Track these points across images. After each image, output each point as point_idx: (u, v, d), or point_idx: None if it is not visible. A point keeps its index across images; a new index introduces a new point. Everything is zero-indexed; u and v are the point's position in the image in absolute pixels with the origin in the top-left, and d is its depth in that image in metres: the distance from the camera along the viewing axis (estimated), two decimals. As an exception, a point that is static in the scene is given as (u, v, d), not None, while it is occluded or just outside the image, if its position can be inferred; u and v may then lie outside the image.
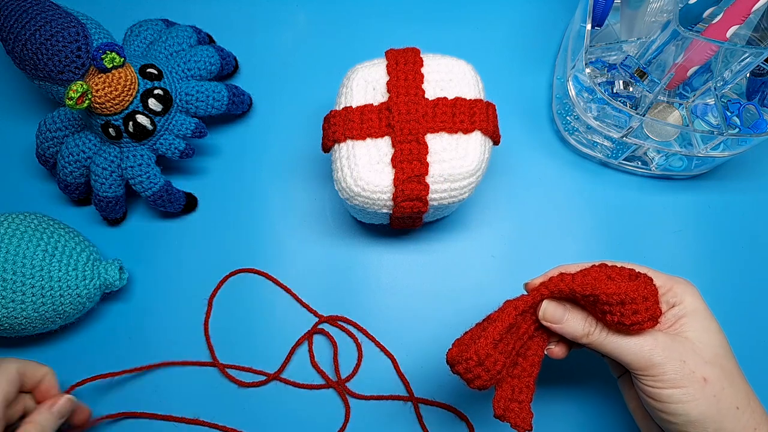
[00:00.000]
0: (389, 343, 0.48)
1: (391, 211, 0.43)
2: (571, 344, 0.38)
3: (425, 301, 0.49)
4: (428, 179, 0.41)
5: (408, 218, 0.45)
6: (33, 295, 0.42)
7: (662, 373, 0.33)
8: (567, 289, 0.35)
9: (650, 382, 0.33)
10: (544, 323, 0.36)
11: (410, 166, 0.40)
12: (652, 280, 0.35)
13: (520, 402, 0.36)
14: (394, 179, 0.40)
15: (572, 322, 0.35)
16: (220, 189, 0.52)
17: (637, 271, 0.36)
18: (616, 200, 0.52)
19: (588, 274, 0.35)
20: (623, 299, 0.33)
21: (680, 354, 0.33)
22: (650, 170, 0.51)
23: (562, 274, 0.36)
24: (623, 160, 0.51)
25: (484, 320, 0.37)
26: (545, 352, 0.38)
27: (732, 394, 0.33)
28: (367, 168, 0.41)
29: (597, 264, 0.36)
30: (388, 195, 0.41)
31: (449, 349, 0.36)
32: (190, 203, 0.51)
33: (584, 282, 0.34)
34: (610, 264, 0.36)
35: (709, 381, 0.33)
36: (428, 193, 0.41)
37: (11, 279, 0.42)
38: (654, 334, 0.34)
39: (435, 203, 0.42)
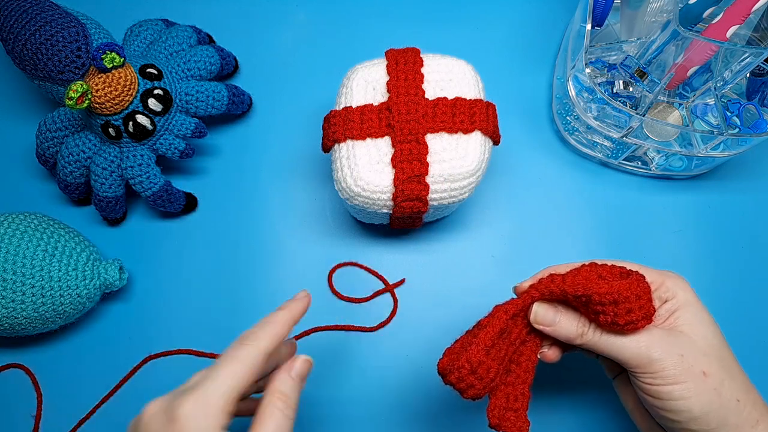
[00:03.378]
0: (389, 343, 0.48)
1: (391, 211, 0.43)
2: (565, 347, 0.37)
3: (425, 301, 0.49)
4: (428, 179, 0.41)
5: (408, 218, 0.45)
6: (33, 295, 0.42)
7: (661, 369, 0.32)
8: (558, 291, 0.34)
9: (649, 379, 0.32)
10: (536, 326, 0.35)
11: (410, 166, 0.40)
12: (644, 277, 0.34)
13: (515, 410, 0.35)
14: (394, 179, 0.40)
15: (565, 323, 0.35)
16: (220, 189, 0.52)
17: (628, 269, 0.35)
18: (616, 200, 0.52)
19: (579, 274, 0.34)
20: (616, 299, 0.32)
21: (678, 348, 0.32)
22: (650, 170, 0.51)
23: (552, 275, 0.35)
24: (623, 160, 0.51)
25: (474, 327, 0.36)
26: (538, 356, 0.37)
27: (732, 387, 0.32)
28: (367, 168, 0.41)
29: (587, 263, 0.36)
30: (388, 195, 0.41)
31: (440, 359, 0.35)
32: (190, 203, 0.51)
33: (575, 282, 0.33)
34: (600, 263, 0.36)
35: (708, 374, 0.32)
36: (428, 193, 0.41)
37: (11, 279, 0.42)
38: (649, 330, 0.33)
39: (435, 203, 0.42)
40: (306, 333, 0.48)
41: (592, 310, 0.33)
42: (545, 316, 0.35)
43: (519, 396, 0.35)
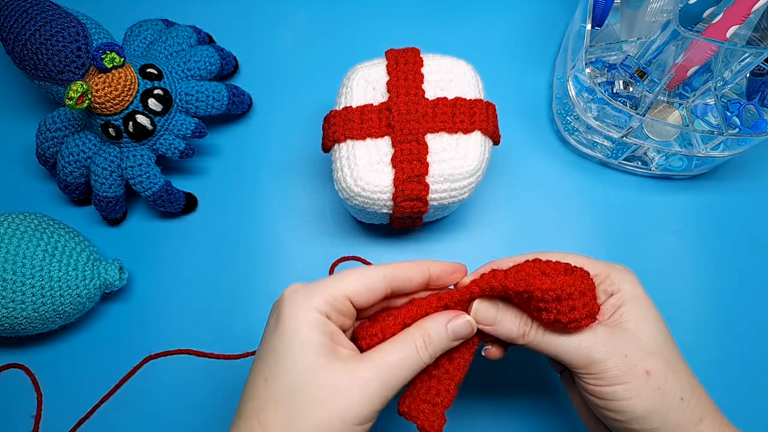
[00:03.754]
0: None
1: (391, 211, 0.43)
2: (508, 343, 0.36)
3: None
4: (428, 179, 0.41)
5: (408, 218, 0.45)
6: (33, 295, 0.42)
7: (604, 370, 0.31)
8: (499, 286, 0.32)
9: (592, 380, 0.32)
10: (477, 326, 0.33)
11: (410, 166, 0.40)
12: (588, 274, 0.33)
13: (434, 405, 0.33)
14: (394, 179, 0.40)
15: (506, 323, 0.33)
16: (220, 189, 0.52)
17: (572, 265, 0.34)
18: (616, 200, 0.52)
19: (521, 270, 0.33)
20: (559, 295, 0.31)
21: (621, 348, 0.32)
22: (650, 170, 0.51)
23: (494, 270, 0.34)
24: (623, 160, 0.51)
25: (407, 303, 0.35)
26: (483, 353, 0.36)
27: (675, 385, 0.32)
28: (367, 168, 0.41)
29: (531, 259, 0.35)
30: (388, 195, 0.41)
31: (359, 324, 0.34)
32: (190, 203, 0.51)
33: (517, 278, 0.32)
34: (544, 258, 0.35)
35: (651, 374, 0.31)
36: (428, 193, 0.41)
37: (11, 279, 0.42)
38: (593, 329, 0.32)
39: (435, 203, 0.42)
40: None
41: (534, 306, 0.32)
42: (486, 314, 0.33)
43: (443, 391, 0.34)
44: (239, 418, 0.30)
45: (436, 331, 0.32)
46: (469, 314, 0.34)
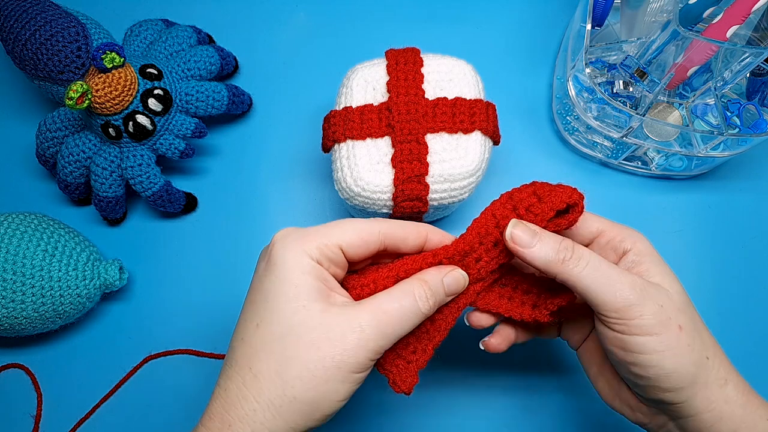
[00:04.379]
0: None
1: (391, 211, 0.43)
2: (516, 335, 0.35)
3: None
4: (428, 179, 0.41)
5: (408, 218, 0.45)
6: (33, 295, 0.42)
7: (639, 315, 0.29)
8: (490, 216, 0.33)
9: (623, 327, 0.30)
10: (512, 247, 0.32)
11: (410, 166, 0.40)
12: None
13: (408, 362, 0.33)
14: (394, 179, 0.40)
15: (545, 245, 0.31)
16: (220, 189, 0.52)
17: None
18: (616, 200, 0.52)
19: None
20: (534, 190, 0.32)
21: (656, 298, 0.30)
22: (650, 170, 0.51)
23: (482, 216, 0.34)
24: (623, 160, 0.51)
25: (399, 258, 0.34)
26: (482, 346, 0.35)
27: (702, 344, 0.30)
28: (367, 168, 0.41)
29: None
30: (388, 195, 0.41)
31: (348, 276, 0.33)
32: (190, 203, 0.51)
33: (501, 201, 0.33)
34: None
35: (683, 329, 0.30)
36: (428, 193, 0.41)
37: (11, 279, 0.42)
38: (630, 274, 0.30)
39: (435, 203, 0.42)
40: None
41: (523, 208, 0.32)
42: (523, 235, 0.31)
43: (419, 350, 0.33)
44: (230, 367, 0.29)
45: (435, 284, 0.31)
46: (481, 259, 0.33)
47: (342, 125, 0.42)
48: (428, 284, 0.31)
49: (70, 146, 0.46)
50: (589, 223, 0.34)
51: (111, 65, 0.42)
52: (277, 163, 0.53)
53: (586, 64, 0.45)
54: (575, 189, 0.32)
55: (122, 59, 0.43)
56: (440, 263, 0.33)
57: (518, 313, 0.35)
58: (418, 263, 0.32)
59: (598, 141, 0.51)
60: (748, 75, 0.48)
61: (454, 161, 0.40)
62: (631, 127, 0.47)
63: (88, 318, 0.49)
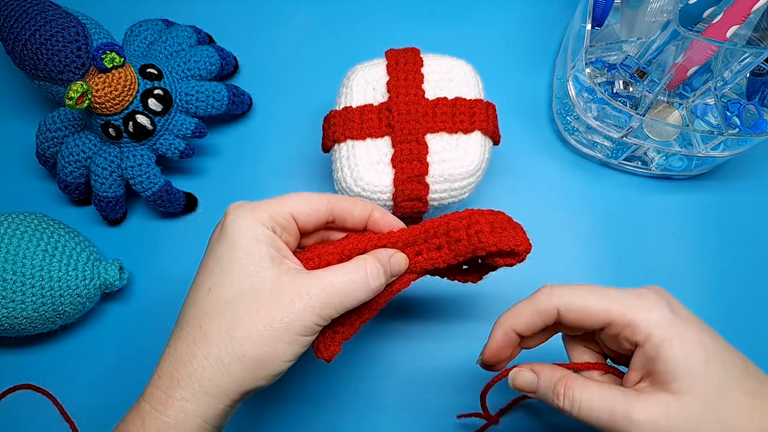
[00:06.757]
0: (389, 343, 0.48)
1: (391, 211, 0.43)
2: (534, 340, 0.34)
3: (425, 301, 0.49)
4: (428, 179, 0.41)
5: (408, 218, 0.45)
6: (33, 295, 0.42)
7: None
8: (430, 227, 0.34)
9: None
10: (516, 388, 0.33)
11: (410, 166, 0.40)
12: (504, 216, 0.34)
13: (335, 332, 0.34)
14: (394, 179, 0.40)
15: (545, 378, 0.31)
16: (220, 189, 0.52)
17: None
18: (616, 200, 0.52)
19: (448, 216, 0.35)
20: (469, 222, 0.33)
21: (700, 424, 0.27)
22: (650, 170, 0.51)
23: (424, 221, 0.35)
24: (623, 160, 0.51)
25: (345, 237, 0.36)
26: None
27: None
28: (367, 168, 0.41)
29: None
30: (388, 195, 0.41)
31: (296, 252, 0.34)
32: (190, 203, 0.51)
33: (441, 219, 0.34)
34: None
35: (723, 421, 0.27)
36: (428, 193, 0.41)
37: (11, 279, 0.42)
38: (657, 402, 0.28)
39: (435, 203, 0.42)
40: None
41: (453, 238, 0.33)
42: (525, 385, 0.32)
43: (347, 323, 0.34)
44: (180, 328, 0.31)
45: (386, 264, 0.33)
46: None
47: (342, 125, 0.42)
48: (380, 262, 0.33)
49: (70, 146, 0.46)
50: (595, 311, 0.30)
51: (111, 65, 0.42)
52: (277, 163, 0.53)
53: (586, 64, 0.45)
54: (527, 240, 0.34)
55: (122, 59, 0.43)
56: (384, 246, 0.35)
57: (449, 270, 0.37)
58: (363, 243, 0.34)
59: (598, 141, 0.51)
60: (748, 75, 0.48)
61: (454, 161, 0.40)
62: (631, 127, 0.47)
63: (88, 318, 0.49)
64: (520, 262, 0.34)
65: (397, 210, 0.42)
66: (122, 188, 0.48)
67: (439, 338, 0.47)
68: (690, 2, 0.46)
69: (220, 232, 0.32)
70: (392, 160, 0.40)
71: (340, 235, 0.36)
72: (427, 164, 0.40)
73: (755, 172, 0.53)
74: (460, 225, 0.34)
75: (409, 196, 0.40)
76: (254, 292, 0.30)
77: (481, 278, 0.38)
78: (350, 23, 0.58)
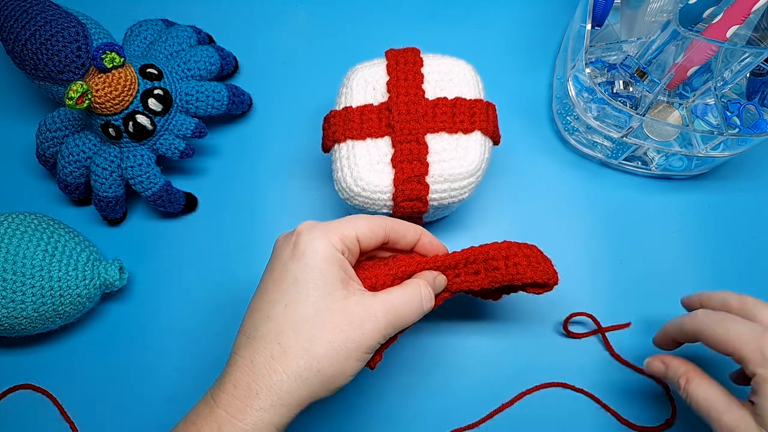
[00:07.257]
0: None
1: (390, 212, 0.43)
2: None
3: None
4: (428, 179, 0.41)
5: (408, 218, 0.45)
6: (33, 295, 0.42)
7: None
8: (470, 255, 0.38)
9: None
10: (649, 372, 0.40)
11: (410, 166, 0.40)
12: (539, 250, 0.38)
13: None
14: (394, 179, 0.40)
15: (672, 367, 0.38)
16: (220, 189, 0.52)
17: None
18: (616, 200, 0.52)
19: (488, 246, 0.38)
20: (507, 254, 0.37)
21: None
22: (650, 170, 0.51)
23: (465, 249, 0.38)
24: (623, 160, 0.51)
25: (392, 257, 0.38)
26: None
27: None
28: (367, 168, 0.41)
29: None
30: (388, 195, 0.41)
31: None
32: (190, 203, 0.51)
33: (481, 248, 0.38)
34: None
35: None
36: (428, 193, 0.41)
37: (11, 279, 0.42)
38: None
39: (435, 203, 0.42)
40: None
41: (491, 266, 0.37)
42: (655, 369, 0.39)
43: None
44: (254, 340, 0.32)
45: (430, 280, 0.37)
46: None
47: (342, 125, 0.42)
48: (431, 287, 0.36)
49: (70, 146, 0.46)
50: (721, 342, 0.36)
51: (111, 65, 0.42)
52: (277, 163, 0.53)
53: (586, 64, 0.45)
54: (556, 274, 0.38)
55: (122, 59, 0.43)
56: (430, 269, 0.38)
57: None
58: (413, 266, 0.37)
59: (598, 141, 0.51)
60: (748, 75, 0.48)
61: (454, 161, 0.40)
62: (631, 127, 0.47)
63: (88, 318, 0.49)
64: (546, 292, 0.38)
65: (397, 210, 0.42)
66: (122, 188, 0.48)
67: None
68: (690, 2, 0.46)
69: (294, 251, 0.33)
70: (392, 160, 0.40)
71: (386, 254, 0.39)
72: (427, 164, 0.40)
73: (755, 172, 0.53)
74: (498, 255, 0.37)
75: (409, 196, 0.40)
76: (328, 312, 0.32)
77: (501, 298, 0.42)
78: (350, 23, 0.58)
